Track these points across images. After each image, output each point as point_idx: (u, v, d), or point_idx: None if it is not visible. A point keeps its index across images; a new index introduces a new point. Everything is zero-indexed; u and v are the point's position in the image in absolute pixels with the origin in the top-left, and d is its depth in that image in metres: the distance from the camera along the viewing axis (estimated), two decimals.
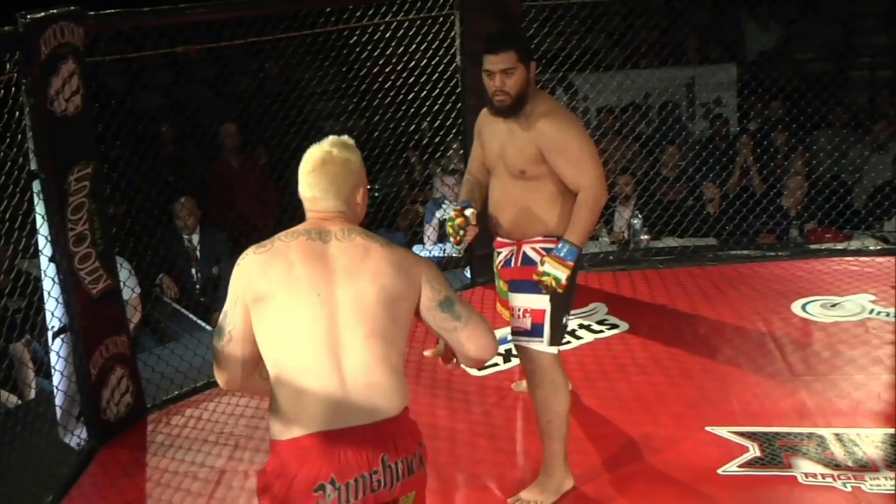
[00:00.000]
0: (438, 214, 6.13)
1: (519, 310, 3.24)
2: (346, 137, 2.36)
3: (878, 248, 5.72)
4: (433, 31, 5.15)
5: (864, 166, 6.36)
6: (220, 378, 2.29)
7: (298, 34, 4.96)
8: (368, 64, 5.18)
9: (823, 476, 3.38)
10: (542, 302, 3.19)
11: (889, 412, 3.81)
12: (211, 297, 5.54)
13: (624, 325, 4.72)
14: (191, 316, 5.33)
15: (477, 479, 3.51)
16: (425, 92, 5.28)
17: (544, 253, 3.19)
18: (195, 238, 5.69)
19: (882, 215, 6.01)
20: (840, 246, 5.80)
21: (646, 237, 6.03)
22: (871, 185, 6.33)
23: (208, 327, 5.19)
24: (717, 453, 3.56)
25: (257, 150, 6.62)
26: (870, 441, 3.59)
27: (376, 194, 6.54)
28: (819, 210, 6.14)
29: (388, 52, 5.17)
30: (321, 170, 2.27)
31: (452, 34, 5.17)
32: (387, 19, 4.99)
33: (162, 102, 7.44)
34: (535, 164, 3.18)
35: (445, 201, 6.10)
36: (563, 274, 3.09)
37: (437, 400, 4.16)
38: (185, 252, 5.69)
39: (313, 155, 2.29)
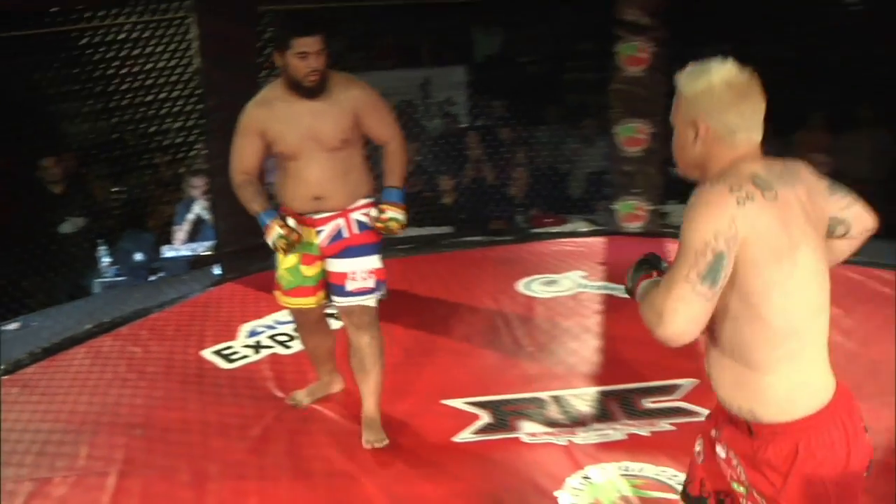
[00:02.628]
0: (189, 216, 5.95)
1: (361, 272, 3.42)
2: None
3: (589, 229, 6.13)
4: (169, 33, 4.99)
5: (575, 158, 6.77)
6: (697, 323, 1.78)
7: (32, 32, 4.65)
8: (102, 66, 4.91)
9: (543, 434, 3.56)
10: (379, 261, 3.46)
11: (596, 373, 4.11)
12: None
13: None
14: None
15: (229, 468, 3.44)
16: (164, 94, 5.10)
17: (371, 216, 3.39)
18: None
19: (592, 201, 6.44)
20: (557, 229, 6.17)
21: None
22: (583, 175, 6.75)
23: None
24: (453, 423, 3.67)
25: None
26: (581, 400, 3.84)
27: (122, 194, 6.27)
28: (539, 197, 6.50)
29: (125, 55, 4.94)
30: (749, 92, 1.86)
31: (190, 37, 5.04)
32: (119, 21, 4.77)
33: None
34: (351, 130, 3.34)
35: (195, 201, 5.93)
36: (403, 216, 3.33)
37: (189, 394, 4.06)
38: None
39: (732, 78, 1.85)
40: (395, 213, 3.33)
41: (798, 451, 1.84)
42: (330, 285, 3.49)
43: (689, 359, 4.10)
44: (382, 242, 3.51)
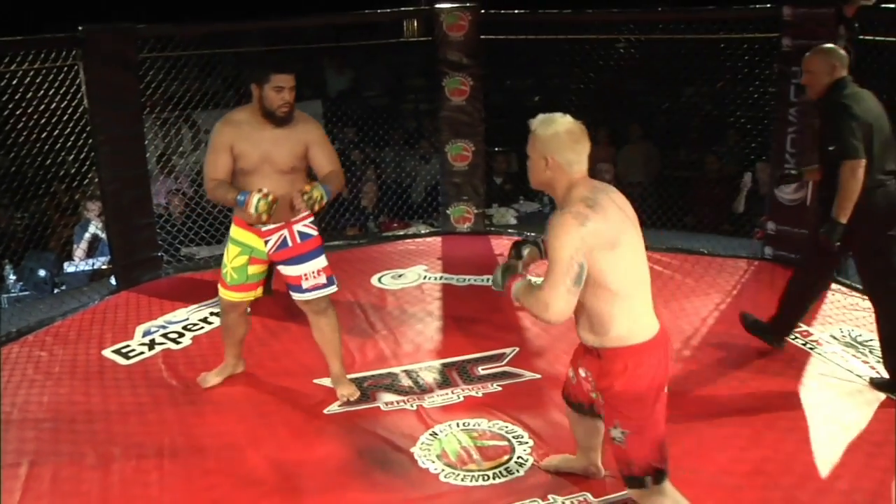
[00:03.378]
0: (87, 236, 5.63)
1: (312, 272, 3.44)
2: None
3: (428, 231, 6.19)
4: (59, 79, 4.70)
5: (413, 173, 6.82)
6: (568, 310, 2.29)
7: None
8: (10, 106, 4.57)
9: (398, 402, 3.60)
10: (324, 260, 3.48)
11: (438, 349, 4.16)
12: None
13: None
14: None
15: (131, 449, 3.30)
16: (57, 130, 4.80)
17: (312, 226, 3.46)
18: None
19: (430, 208, 6.50)
20: (403, 232, 6.20)
21: None
22: (421, 186, 6.81)
23: None
24: (323, 398, 3.65)
25: None
26: (427, 371, 3.89)
27: (24, 219, 5.86)
28: (386, 206, 6.50)
29: (17, 97, 4.61)
30: (583, 137, 2.34)
31: (78, 81, 4.77)
32: (11, 68, 4.46)
33: None
34: (301, 159, 3.34)
35: (90, 222, 5.63)
36: (324, 194, 3.21)
37: (92, 388, 3.85)
38: None
39: (569, 126, 2.33)
40: (318, 189, 3.20)
41: (627, 367, 2.35)
42: (288, 285, 3.51)
43: (511, 332, 4.28)
44: (322, 247, 3.51)
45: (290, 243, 3.43)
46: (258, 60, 5.36)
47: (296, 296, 3.52)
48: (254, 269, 3.51)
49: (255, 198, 3.18)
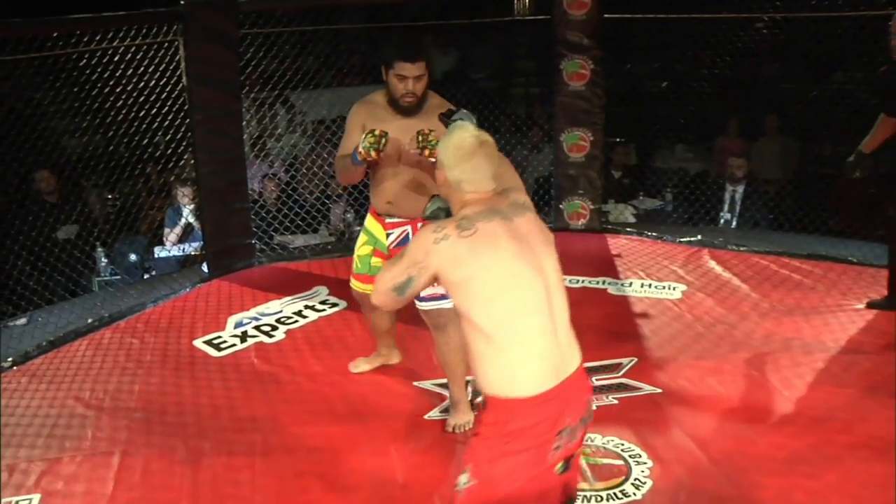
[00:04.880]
0: (181, 222, 5.89)
1: None
2: (469, 123, 2.37)
3: None
4: (160, 55, 4.93)
5: (524, 163, 6.81)
6: (387, 307, 2.32)
7: (26, 56, 4.55)
8: (99, 85, 4.83)
9: None
10: None
11: None
12: None
13: (343, 304, 4.77)
14: None
15: (222, 445, 3.44)
16: (155, 109, 5.04)
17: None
18: None
19: (541, 202, 6.47)
20: None
21: (358, 228, 6.11)
22: (532, 178, 6.79)
23: None
24: (423, 403, 3.69)
25: None
26: None
27: (117, 202, 6.19)
28: None
29: (118, 74, 4.87)
30: (480, 152, 2.20)
31: (178, 58, 4.99)
32: (114, 44, 4.71)
33: None
34: None
35: (183, 207, 5.88)
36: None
37: (183, 380, 4.03)
38: None
39: (464, 141, 2.22)
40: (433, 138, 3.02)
41: (497, 421, 2.12)
42: None
43: (629, 340, 4.23)
44: None
45: (410, 240, 3.35)
46: (386, 40, 5.42)
47: (416, 303, 3.36)
48: (376, 262, 3.50)
49: (364, 139, 3.12)
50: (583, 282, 4.97)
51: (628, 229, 6.03)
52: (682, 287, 4.90)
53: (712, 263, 5.28)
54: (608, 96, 5.87)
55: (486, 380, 2.13)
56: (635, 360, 4.00)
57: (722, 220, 6.28)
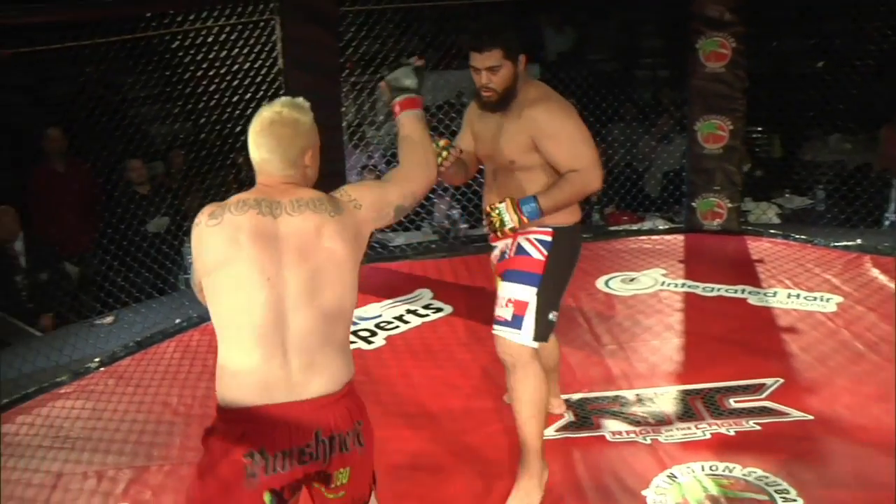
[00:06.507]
0: None
1: (503, 299, 3.06)
2: (299, 98, 2.21)
3: (667, 227, 6.08)
4: (254, 35, 5.07)
5: (653, 155, 6.71)
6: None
7: (118, 39, 4.76)
8: (192, 68, 5.02)
9: (627, 433, 3.56)
10: (527, 294, 3.03)
11: (679, 372, 4.07)
12: (38, 304, 5.26)
13: (448, 309, 4.83)
14: (17, 323, 5.05)
15: None
16: (249, 94, 5.19)
17: (537, 243, 3.06)
18: (18, 245, 5.38)
19: (670, 199, 6.37)
20: (635, 227, 6.13)
21: (464, 226, 6.17)
22: (660, 172, 6.69)
23: (37, 333, 4.96)
24: None
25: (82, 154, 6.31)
26: (664, 398, 3.82)
27: (210, 194, 6.38)
28: (616, 195, 6.45)
29: (210, 57, 5.04)
30: (269, 130, 2.14)
31: (274, 38, 5.12)
32: (208, 24, 4.87)
33: None
34: (525, 153, 3.03)
35: None
36: (510, 222, 3.00)
37: None
38: (7, 259, 5.36)
39: (262, 115, 2.16)
40: (504, 211, 2.99)
41: (216, 428, 2.12)
42: None
43: (773, 358, 4.11)
44: (540, 276, 3.04)
45: (508, 255, 3.19)
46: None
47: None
48: (498, 279, 3.29)
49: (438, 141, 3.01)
50: (718, 290, 4.86)
51: (772, 231, 5.90)
52: (838, 299, 4.75)
53: (875, 272, 5.10)
54: (751, 79, 5.73)
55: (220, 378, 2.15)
56: (781, 381, 3.89)
57: (887, 222, 6.04)
